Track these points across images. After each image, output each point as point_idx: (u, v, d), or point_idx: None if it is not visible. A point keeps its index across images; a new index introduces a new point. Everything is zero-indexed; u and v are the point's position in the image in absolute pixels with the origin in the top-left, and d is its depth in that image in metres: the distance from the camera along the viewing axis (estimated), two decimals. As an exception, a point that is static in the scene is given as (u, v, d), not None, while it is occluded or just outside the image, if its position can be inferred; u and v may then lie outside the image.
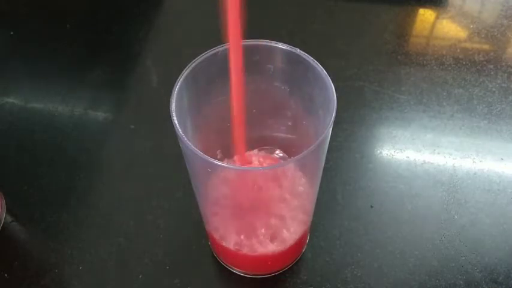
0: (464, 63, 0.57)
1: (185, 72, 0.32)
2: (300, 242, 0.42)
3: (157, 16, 0.64)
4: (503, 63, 0.57)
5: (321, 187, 0.37)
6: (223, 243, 0.35)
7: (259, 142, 0.39)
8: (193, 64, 0.32)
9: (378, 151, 0.50)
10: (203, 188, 0.35)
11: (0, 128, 0.53)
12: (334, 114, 0.30)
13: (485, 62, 0.57)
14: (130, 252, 0.43)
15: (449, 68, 0.57)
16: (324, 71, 0.32)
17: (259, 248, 0.33)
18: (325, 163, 0.34)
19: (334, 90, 0.31)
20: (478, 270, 0.42)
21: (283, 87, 0.34)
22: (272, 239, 0.34)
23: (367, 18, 0.63)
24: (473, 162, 0.49)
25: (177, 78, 0.32)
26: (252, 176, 0.29)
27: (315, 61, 0.32)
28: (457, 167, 0.48)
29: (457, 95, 0.54)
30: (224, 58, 0.33)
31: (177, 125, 0.30)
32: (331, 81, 0.31)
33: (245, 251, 0.34)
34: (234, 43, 0.27)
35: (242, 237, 0.34)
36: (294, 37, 0.58)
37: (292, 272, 0.42)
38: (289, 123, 0.35)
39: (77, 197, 0.47)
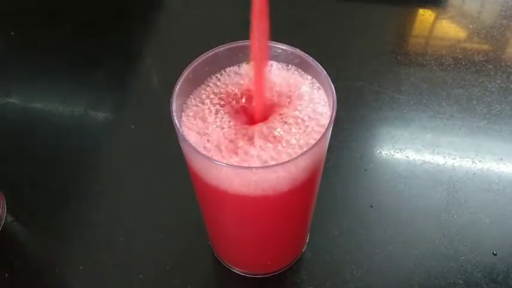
0: (463, 63, 0.57)
1: (185, 72, 0.32)
2: (299, 241, 0.42)
3: (157, 16, 0.65)
4: (503, 64, 0.57)
5: (321, 187, 0.37)
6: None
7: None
8: (194, 64, 0.32)
9: (378, 151, 0.50)
10: (203, 188, 0.35)
11: (1, 128, 0.53)
12: (334, 114, 0.30)
13: (484, 62, 0.57)
14: (130, 252, 0.44)
15: (449, 68, 0.57)
16: (324, 71, 0.32)
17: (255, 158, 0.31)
18: (325, 163, 0.34)
19: (334, 90, 0.31)
20: (477, 270, 0.42)
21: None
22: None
23: (367, 18, 0.63)
24: (473, 162, 0.49)
25: (177, 78, 0.32)
26: (252, 175, 0.29)
27: (315, 61, 0.32)
28: (457, 167, 0.48)
29: (457, 95, 0.54)
30: (224, 58, 0.34)
31: (177, 125, 0.30)
32: (331, 81, 0.31)
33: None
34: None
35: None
36: (294, 37, 0.58)
37: (292, 272, 0.42)
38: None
39: (77, 197, 0.48)
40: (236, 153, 0.30)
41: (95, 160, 0.51)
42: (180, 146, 0.31)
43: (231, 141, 0.30)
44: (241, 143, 0.30)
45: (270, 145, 0.30)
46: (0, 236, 0.45)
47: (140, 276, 0.42)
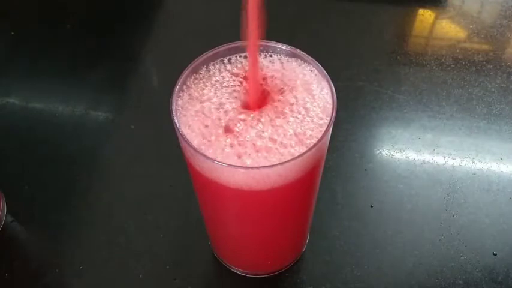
0: (463, 63, 0.57)
1: (185, 72, 0.32)
2: (299, 241, 0.42)
3: (157, 16, 0.65)
4: (503, 64, 0.57)
5: (321, 187, 0.37)
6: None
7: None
8: (194, 64, 0.32)
9: (378, 151, 0.50)
10: (203, 187, 0.35)
11: (1, 127, 0.53)
12: (334, 114, 0.30)
13: (484, 62, 0.57)
14: (130, 252, 0.44)
15: (449, 68, 0.57)
16: (324, 71, 0.32)
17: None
18: (325, 163, 0.34)
19: (334, 90, 0.31)
20: (477, 270, 0.42)
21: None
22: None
23: (367, 18, 0.63)
24: (473, 162, 0.49)
25: (177, 78, 0.32)
26: (251, 172, 0.29)
27: (315, 61, 0.32)
28: (457, 167, 0.48)
29: (457, 95, 0.54)
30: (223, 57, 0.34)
31: (177, 125, 0.30)
32: (331, 81, 0.31)
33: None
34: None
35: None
36: (294, 37, 0.58)
37: (292, 272, 0.42)
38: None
39: (77, 197, 0.48)
40: (232, 143, 0.30)
41: (94, 160, 0.51)
42: (179, 146, 0.31)
43: (229, 131, 0.30)
44: (239, 133, 0.30)
45: (266, 133, 0.30)
46: (0, 236, 0.45)
47: (140, 276, 0.42)
